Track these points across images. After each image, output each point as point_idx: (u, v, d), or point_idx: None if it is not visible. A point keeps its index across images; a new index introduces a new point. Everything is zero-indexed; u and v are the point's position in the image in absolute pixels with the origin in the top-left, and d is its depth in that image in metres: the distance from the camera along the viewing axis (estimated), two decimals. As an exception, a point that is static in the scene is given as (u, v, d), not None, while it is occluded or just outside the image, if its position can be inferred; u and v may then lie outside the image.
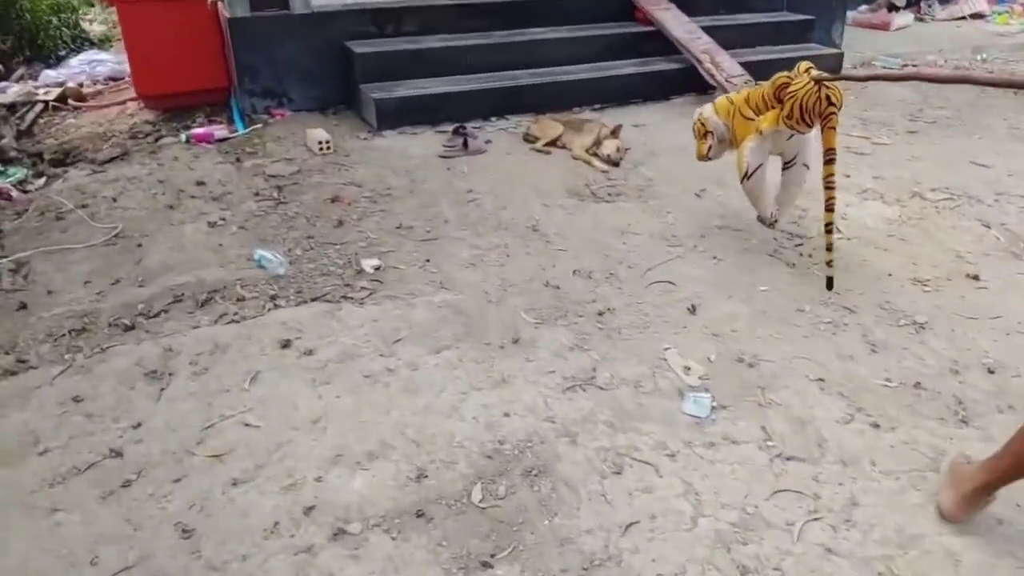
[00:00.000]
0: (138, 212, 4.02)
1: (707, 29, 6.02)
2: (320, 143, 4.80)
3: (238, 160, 4.73)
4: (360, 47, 5.39)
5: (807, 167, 3.53)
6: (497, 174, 4.55)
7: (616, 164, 4.62)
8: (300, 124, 5.36)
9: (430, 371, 2.76)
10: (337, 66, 5.55)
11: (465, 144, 4.88)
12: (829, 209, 3.26)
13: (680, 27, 5.96)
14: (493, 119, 5.44)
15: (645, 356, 2.85)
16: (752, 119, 3.43)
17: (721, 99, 3.70)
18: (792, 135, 3.38)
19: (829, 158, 3.24)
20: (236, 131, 5.23)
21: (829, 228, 3.26)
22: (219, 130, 5.17)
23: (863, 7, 9.12)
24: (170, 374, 2.75)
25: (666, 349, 2.88)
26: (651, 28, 6.08)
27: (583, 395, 2.65)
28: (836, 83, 3.21)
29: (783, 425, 2.50)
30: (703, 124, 3.66)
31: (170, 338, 2.94)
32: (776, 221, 3.61)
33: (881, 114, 5.63)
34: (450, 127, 5.26)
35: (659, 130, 5.26)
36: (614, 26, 6.15)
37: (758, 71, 5.45)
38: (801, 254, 3.60)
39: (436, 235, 3.77)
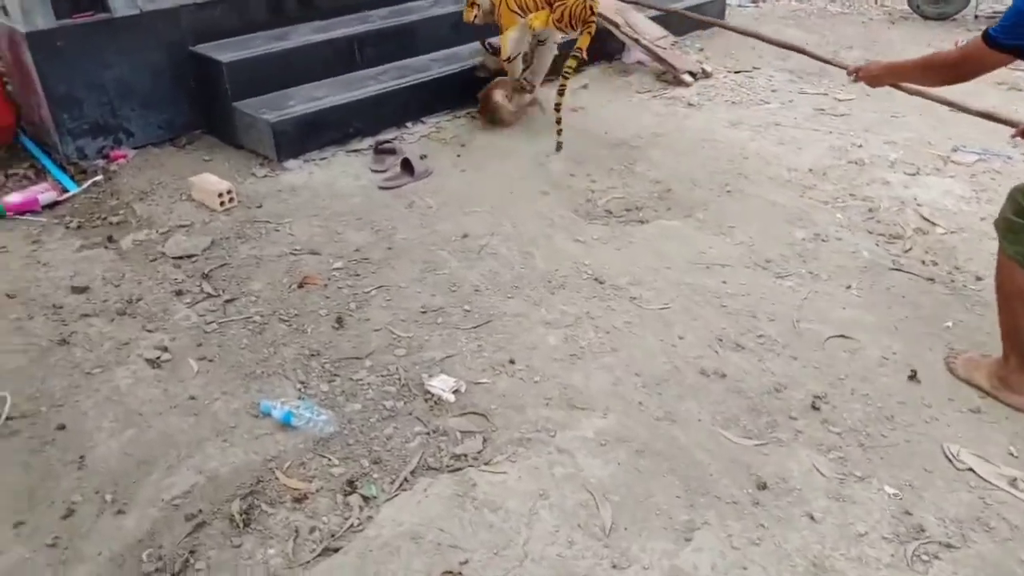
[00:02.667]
0: (12, 361, 2.57)
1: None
2: (221, 195, 3.48)
3: (110, 240, 3.28)
4: (222, 52, 4.00)
5: (555, 44, 4.26)
6: (471, 201, 3.56)
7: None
8: (158, 166, 3.93)
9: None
10: (185, 79, 4.12)
11: (408, 169, 3.79)
12: (560, 93, 3.95)
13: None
14: (408, 124, 4.34)
15: (942, 471, 2.08)
16: (517, 13, 3.97)
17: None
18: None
19: (575, 54, 3.91)
20: (67, 190, 3.68)
21: (558, 107, 3.95)
22: (41, 191, 3.61)
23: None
24: None
25: (956, 453, 2.15)
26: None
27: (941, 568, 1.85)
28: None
29: None
30: None
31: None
32: (534, 86, 4.33)
33: (804, 62, 5.23)
34: (365, 144, 4.11)
35: (606, 108, 4.49)
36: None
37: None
38: (924, 262, 3.05)
39: (484, 314, 2.76)
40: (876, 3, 6.91)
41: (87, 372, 2.50)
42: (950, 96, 2.78)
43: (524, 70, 4.33)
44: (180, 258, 3.13)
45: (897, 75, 2.59)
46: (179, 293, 2.91)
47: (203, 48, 4.08)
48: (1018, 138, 2.59)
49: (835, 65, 3.19)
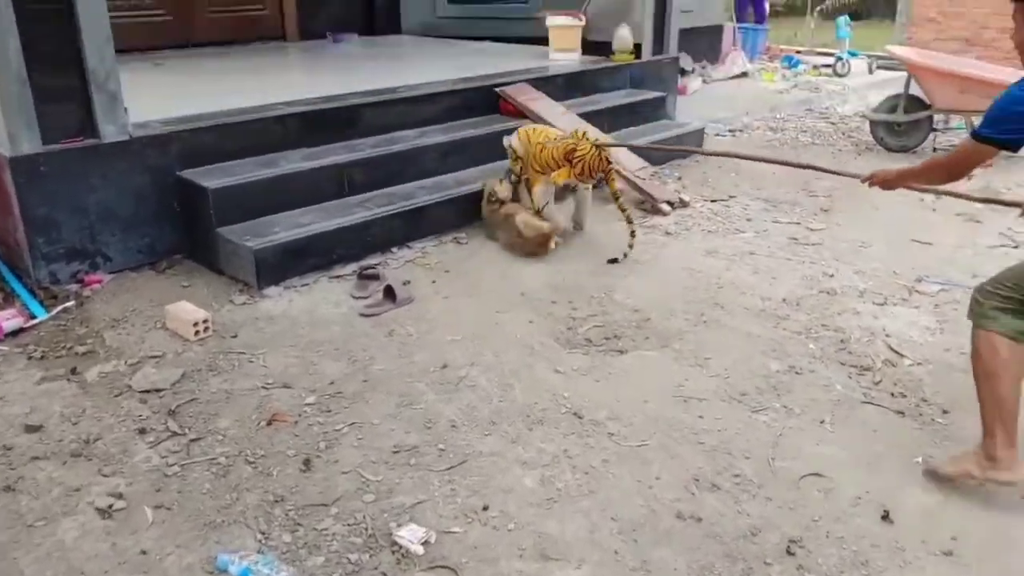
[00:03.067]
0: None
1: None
2: (196, 325, 3.45)
3: (73, 372, 3.21)
4: (209, 179, 4.06)
5: (587, 189, 4.60)
6: (452, 329, 3.54)
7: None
8: (134, 291, 3.91)
9: None
10: (169, 204, 4.16)
11: (391, 295, 3.79)
12: (630, 222, 4.34)
13: (560, 117, 5.32)
14: (394, 250, 4.37)
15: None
16: (540, 173, 4.37)
17: (521, 134, 4.52)
18: None
19: (616, 196, 4.37)
20: (35, 316, 3.65)
21: (633, 234, 4.32)
22: (6, 318, 3.56)
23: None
24: None
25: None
26: (523, 120, 5.38)
27: None
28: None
29: None
30: (515, 150, 4.53)
31: None
32: (582, 227, 4.67)
33: (778, 192, 5.42)
34: (348, 270, 4.13)
35: (588, 236, 4.56)
36: (482, 121, 5.36)
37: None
38: (893, 394, 3.06)
39: (459, 453, 2.69)
40: (842, 135, 7.18)
41: (30, 524, 2.37)
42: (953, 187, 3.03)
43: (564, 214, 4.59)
44: (147, 392, 3.06)
45: (906, 179, 2.94)
46: (142, 431, 2.82)
47: (190, 173, 4.13)
48: (872, 184, 2.99)
49: (847, 176, 3.42)
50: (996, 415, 2.46)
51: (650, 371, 3.21)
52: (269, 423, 2.87)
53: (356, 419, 2.90)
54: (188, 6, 7.43)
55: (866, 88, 9.20)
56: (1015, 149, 2.47)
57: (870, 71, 9.83)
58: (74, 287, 3.90)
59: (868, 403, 2.99)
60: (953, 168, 2.63)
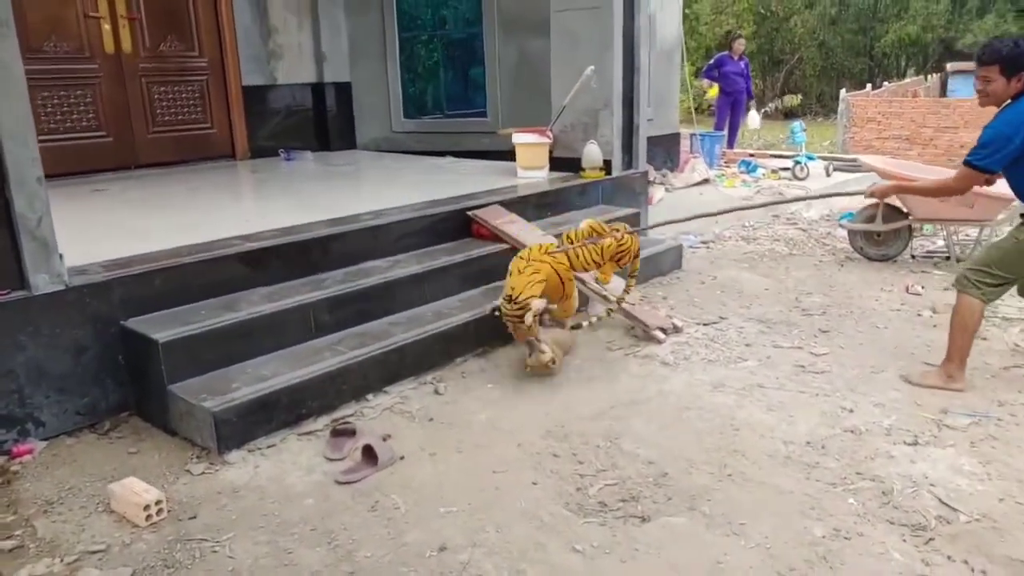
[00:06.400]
0: None
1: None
2: (147, 508, 2.93)
3: (-2, 576, 2.67)
4: (158, 328, 3.60)
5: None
6: (445, 498, 3.09)
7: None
8: (72, 463, 3.38)
9: None
10: (113, 358, 3.68)
11: (370, 456, 3.34)
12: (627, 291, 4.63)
13: (539, 240, 5.03)
14: (369, 397, 3.93)
15: None
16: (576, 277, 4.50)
17: (534, 280, 4.06)
18: None
19: (633, 273, 4.64)
20: (-47, 498, 3.09)
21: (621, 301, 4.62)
22: (-83, 501, 3.01)
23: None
24: None
25: None
26: (497, 244, 5.08)
27: None
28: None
29: None
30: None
31: None
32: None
33: (770, 311, 5.16)
34: (320, 424, 3.67)
35: (580, 369, 4.19)
36: (456, 247, 5.04)
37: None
38: (954, 558, 2.69)
39: (477, 677, 2.22)
40: (816, 242, 7.08)
41: None
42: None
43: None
44: (90, 602, 2.53)
45: (901, 191, 4.43)
46: (84, 662, 2.29)
47: (136, 323, 3.67)
48: (873, 196, 4.25)
49: (847, 195, 4.79)
50: (958, 351, 3.85)
51: (682, 545, 2.79)
52: (240, 642, 2.36)
53: (344, 628, 2.40)
54: (129, 127, 7.06)
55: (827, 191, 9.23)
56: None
57: (827, 174, 9.94)
58: (0, 460, 3.36)
59: (935, 577, 2.60)
60: (954, 190, 3.92)
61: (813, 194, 7.27)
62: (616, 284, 4.74)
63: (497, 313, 4.18)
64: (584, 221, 4.62)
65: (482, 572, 2.66)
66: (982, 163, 3.63)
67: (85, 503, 3.08)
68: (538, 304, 3.96)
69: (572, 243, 4.40)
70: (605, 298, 4.73)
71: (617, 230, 4.47)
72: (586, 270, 4.47)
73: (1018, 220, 3.76)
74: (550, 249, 4.30)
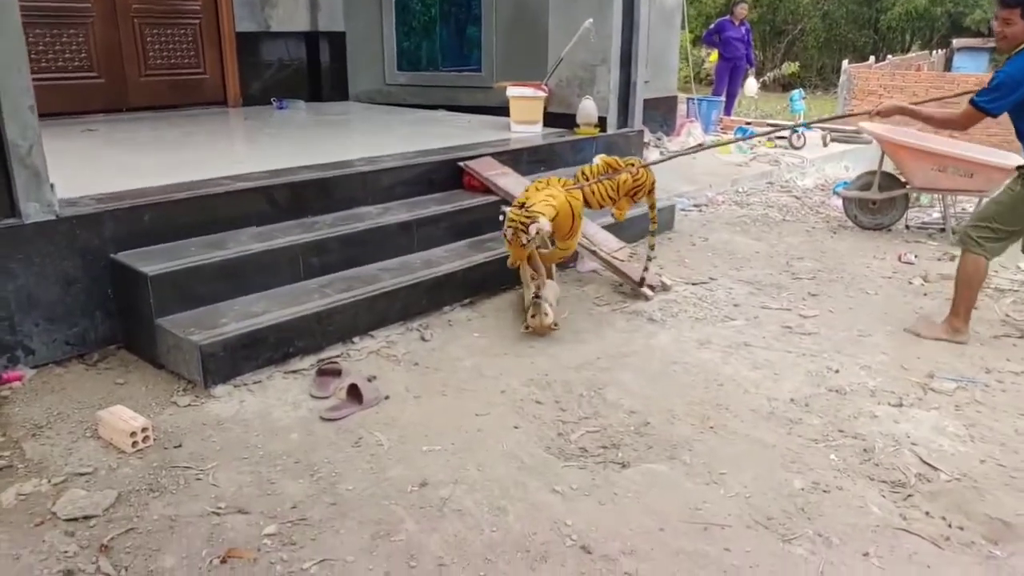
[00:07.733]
0: None
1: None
2: (133, 435, 2.95)
3: (-16, 493, 2.69)
4: (147, 262, 3.59)
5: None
6: (428, 437, 3.13)
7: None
8: (60, 391, 3.40)
9: None
10: (103, 290, 3.67)
11: (355, 395, 3.36)
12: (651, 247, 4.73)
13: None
14: (356, 340, 3.95)
15: None
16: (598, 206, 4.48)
17: (549, 201, 4.00)
18: None
19: (652, 206, 4.76)
20: (-61, 421, 3.11)
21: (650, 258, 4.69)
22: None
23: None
24: None
25: None
26: (488, 196, 5.07)
27: None
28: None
29: None
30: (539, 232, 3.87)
31: None
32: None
33: (760, 274, 5.19)
34: (306, 363, 3.69)
35: (568, 322, 4.21)
36: (446, 197, 5.02)
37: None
38: (932, 515, 2.73)
39: (455, 604, 2.26)
40: (810, 210, 7.09)
41: None
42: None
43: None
44: (75, 520, 2.55)
45: (905, 113, 4.22)
46: (68, 574, 2.32)
47: (126, 256, 3.67)
48: (879, 115, 4.31)
49: (854, 116, 5.55)
50: (963, 304, 4.03)
51: (660, 490, 2.83)
52: (223, 560, 2.40)
53: (326, 554, 2.44)
54: (121, 68, 6.97)
55: (823, 161, 9.24)
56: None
57: (824, 144, 9.91)
58: (-13, 386, 3.38)
59: (909, 531, 2.64)
60: (958, 126, 3.98)
61: (812, 126, 7.71)
62: (605, 238, 4.74)
63: (502, 217, 4.10)
64: (598, 156, 4.64)
65: (463, 507, 2.70)
66: (989, 105, 3.73)
67: (73, 428, 3.11)
68: (546, 223, 3.87)
69: (588, 180, 4.38)
70: (595, 253, 4.73)
71: (632, 164, 4.51)
72: (601, 206, 4.47)
73: (1015, 174, 3.86)
74: (567, 185, 4.29)
